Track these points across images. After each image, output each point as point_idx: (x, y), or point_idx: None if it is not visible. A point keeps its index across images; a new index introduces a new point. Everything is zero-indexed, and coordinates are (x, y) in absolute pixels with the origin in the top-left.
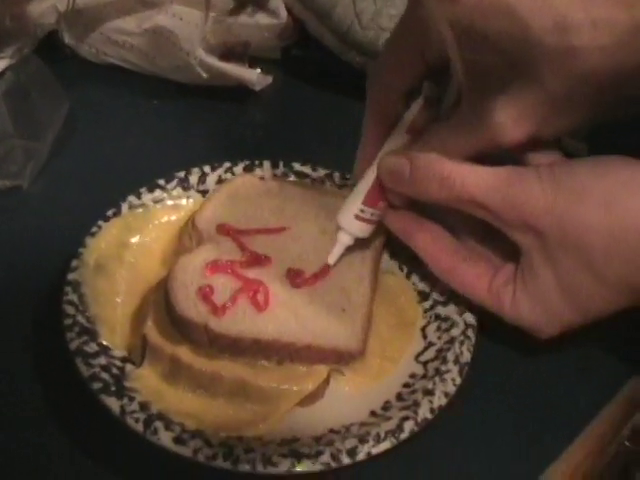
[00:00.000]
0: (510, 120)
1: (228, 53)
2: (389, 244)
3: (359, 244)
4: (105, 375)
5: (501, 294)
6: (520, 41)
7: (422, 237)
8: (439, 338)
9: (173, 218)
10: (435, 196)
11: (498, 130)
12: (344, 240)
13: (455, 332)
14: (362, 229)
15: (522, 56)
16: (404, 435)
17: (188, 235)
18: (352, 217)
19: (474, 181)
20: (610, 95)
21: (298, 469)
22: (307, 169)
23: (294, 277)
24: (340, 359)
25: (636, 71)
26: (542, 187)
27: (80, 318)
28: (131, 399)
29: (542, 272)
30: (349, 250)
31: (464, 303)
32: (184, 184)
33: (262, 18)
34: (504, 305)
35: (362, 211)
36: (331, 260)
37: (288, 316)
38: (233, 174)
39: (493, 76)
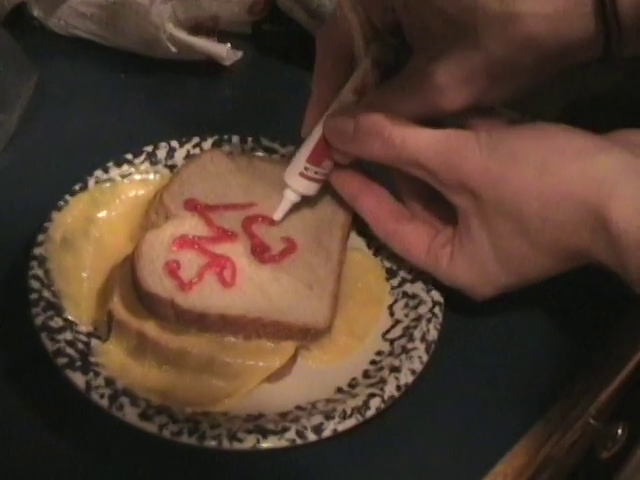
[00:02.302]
0: (450, 84)
1: (198, 27)
2: (357, 221)
3: (327, 221)
4: (70, 350)
5: (439, 255)
6: (464, 5)
7: (366, 199)
8: (406, 316)
9: (141, 193)
10: (377, 155)
11: (438, 94)
12: (290, 197)
13: (422, 310)
14: (307, 187)
15: (466, 20)
16: (370, 412)
17: (155, 210)
18: (297, 174)
19: (414, 141)
20: (550, 64)
21: (264, 445)
22: (276, 145)
23: (260, 253)
24: (307, 335)
25: (577, 42)
26: (479, 149)
27: (46, 293)
28: (97, 374)
29: (478, 234)
30: (317, 227)
31: (432, 281)
32: (152, 159)
33: None
34: (441, 265)
35: (306, 169)
36: (277, 216)
37: (255, 292)
38: (201, 149)
39: (437, 39)
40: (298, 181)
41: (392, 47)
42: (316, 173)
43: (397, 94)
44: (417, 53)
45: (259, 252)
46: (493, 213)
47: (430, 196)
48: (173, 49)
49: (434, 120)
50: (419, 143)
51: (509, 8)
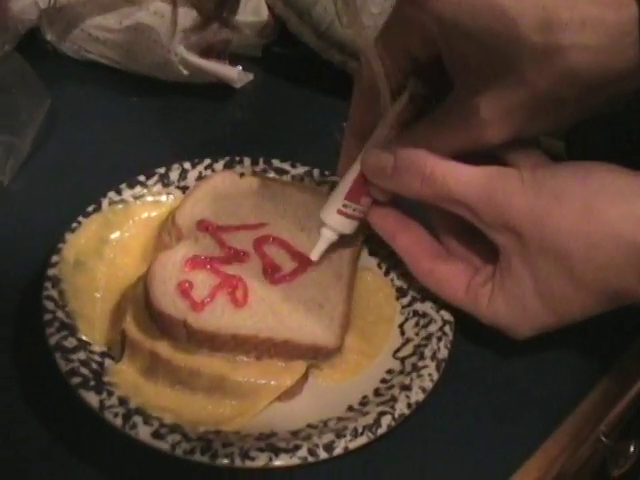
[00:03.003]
0: (494, 118)
1: (209, 50)
2: (368, 241)
3: (337, 241)
4: (84, 370)
5: (478, 294)
6: (505, 39)
7: (404, 237)
8: (417, 334)
9: (153, 214)
10: (417, 192)
11: (482, 128)
12: (327, 236)
13: (432, 328)
14: (345, 225)
15: (508, 54)
16: (381, 430)
17: (168, 231)
18: (335, 212)
19: (456, 179)
20: (595, 96)
21: (276, 463)
22: (287, 166)
23: (272, 273)
24: (318, 355)
25: (622, 73)
26: (523, 189)
27: (60, 313)
28: (110, 394)
29: (520, 274)
30: (328, 247)
31: (442, 300)
32: (164, 180)
33: (243, 16)
34: (481, 305)
35: (345, 206)
36: (314, 256)
37: (266, 312)
38: (213, 171)
39: (479, 73)
40: (336, 219)
41: (431, 81)
42: (354, 210)
43: (437, 129)
44: (458, 87)
45: (270, 272)
46: (536, 253)
47: (468, 233)
48: (185, 72)
49: (475, 155)
50: (461, 181)
51: (552, 41)
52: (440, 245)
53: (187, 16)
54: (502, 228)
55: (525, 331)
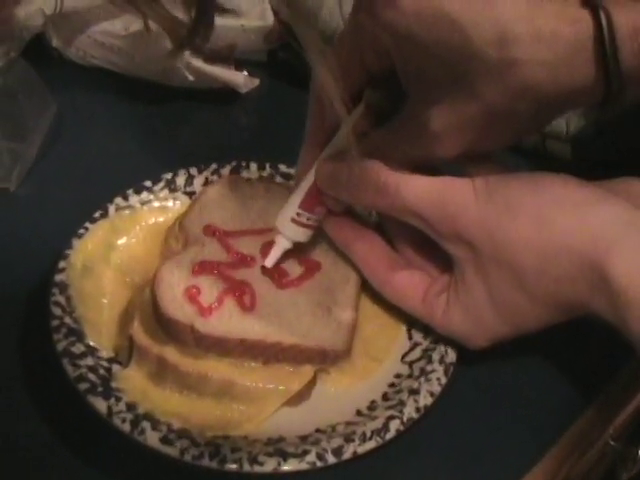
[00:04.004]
0: (446, 132)
1: (214, 56)
2: None
3: None
4: (92, 376)
5: (434, 304)
6: (460, 52)
7: (360, 246)
8: (425, 338)
9: (160, 220)
10: (371, 203)
11: (433, 141)
12: (281, 243)
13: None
14: (299, 233)
15: (461, 67)
16: (390, 434)
17: (175, 236)
18: (289, 220)
19: (409, 189)
20: (549, 111)
21: (284, 468)
22: (293, 171)
23: (279, 278)
24: (326, 359)
25: (577, 89)
26: (476, 199)
27: (67, 319)
28: (118, 399)
29: (473, 284)
30: (335, 250)
31: None
32: (171, 186)
33: (248, 21)
34: (436, 315)
35: (299, 215)
36: (268, 263)
37: (274, 316)
38: (220, 176)
39: (432, 86)
40: (290, 227)
41: (387, 92)
42: (308, 219)
43: (391, 140)
44: (412, 99)
45: (277, 277)
46: (489, 264)
47: (424, 243)
48: (190, 77)
49: (429, 166)
50: (414, 192)
51: (506, 55)
52: (397, 254)
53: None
54: (455, 239)
55: (479, 341)
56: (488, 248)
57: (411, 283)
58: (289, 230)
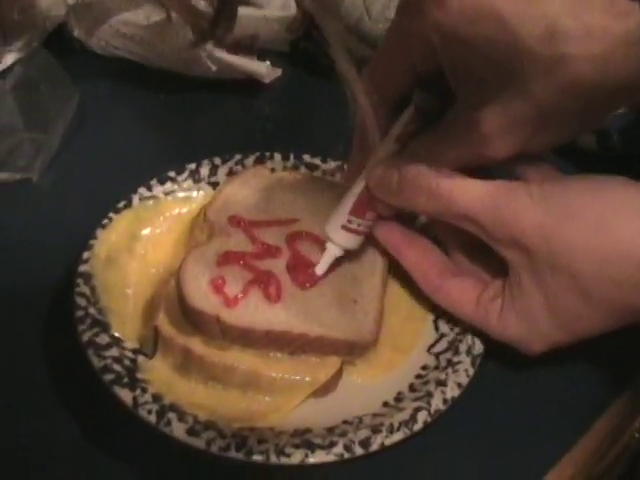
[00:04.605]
0: (497, 132)
1: (237, 46)
2: None
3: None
4: (117, 367)
5: (488, 309)
6: (508, 49)
7: (411, 252)
8: (451, 329)
9: (184, 210)
10: (423, 208)
11: (484, 143)
12: (332, 251)
13: (467, 323)
14: (350, 240)
15: (510, 65)
16: (417, 426)
17: (199, 227)
18: (339, 228)
19: (462, 194)
20: (599, 107)
21: (311, 460)
22: (318, 161)
23: (304, 269)
24: (352, 350)
25: (627, 84)
26: (532, 204)
27: (92, 310)
28: (144, 390)
29: (530, 290)
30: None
31: None
32: (195, 176)
33: (271, 11)
34: (491, 320)
35: (349, 221)
36: (319, 270)
37: (300, 307)
38: (244, 166)
39: (481, 85)
40: (341, 234)
41: (435, 94)
42: (359, 225)
43: (441, 143)
44: (461, 100)
45: (303, 269)
46: (546, 269)
47: (476, 247)
48: (213, 68)
49: (481, 168)
50: (467, 196)
51: (555, 50)
52: (448, 260)
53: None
54: (510, 244)
55: (535, 347)
56: (545, 253)
57: (464, 289)
58: (340, 237)
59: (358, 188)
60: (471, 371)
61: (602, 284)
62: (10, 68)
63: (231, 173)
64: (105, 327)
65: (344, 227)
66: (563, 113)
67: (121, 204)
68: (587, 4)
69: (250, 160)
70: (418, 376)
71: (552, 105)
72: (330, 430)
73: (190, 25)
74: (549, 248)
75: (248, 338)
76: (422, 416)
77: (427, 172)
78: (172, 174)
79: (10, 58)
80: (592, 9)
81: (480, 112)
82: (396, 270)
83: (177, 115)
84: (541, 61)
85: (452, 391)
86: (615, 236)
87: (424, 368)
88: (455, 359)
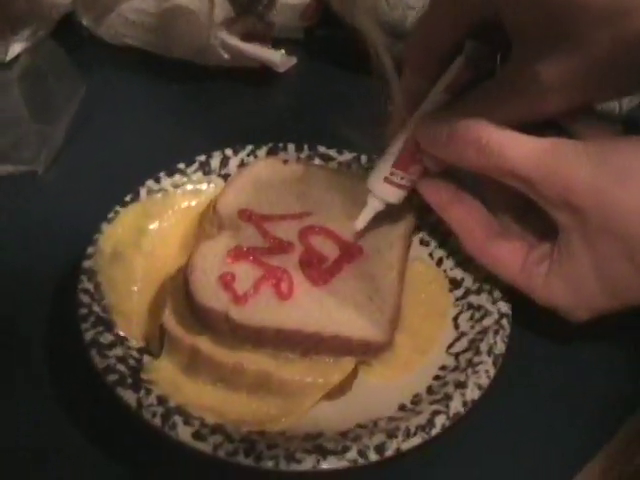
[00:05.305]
0: (555, 85)
1: (250, 34)
2: (418, 230)
3: (387, 230)
4: (121, 367)
5: (534, 273)
6: (569, 1)
7: (457, 211)
8: (472, 328)
9: (193, 203)
10: (472, 163)
11: (542, 96)
12: (373, 204)
13: (488, 322)
14: (392, 194)
15: (570, 16)
16: (435, 430)
17: (209, 221)
18: (381, 180)
19: (514, 150)
20: None
21: (323, 466)
22: (333, 152)
23: (318, 265)
24: (367, 350)
25: None
26: (586, 163)
27: (96, 307)
28: (148, 392)
29: (579, 254)
30: (377, 236)
31: (498, 291)
32: (205, 168)
33: None
34: (536, 285)
35: (392, 174)
36: (359, 225)
37: (313, 305)
38: (256, 157)
39: (539, 37)
40: (383, 187)
41: (489, 46)
42: (402, 179)
43: (494, 97)
44: (517, 52)
45: (316, 265)
46: (598, 233)
47: (523, 208)
48: (225, 56)
49: (533, 126)
50: (519, 153)
51: (618, 3)
52: (495, 220)
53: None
54: (562, 204)
55: (581, 313)
56: (598, 216)
57: (509, 251)
58: (381, 190)
59: (402, 141)
60: (492, 372)
61: None
62: (16, 58)
63: (242, 165)
64: (109, 325)
65: (387, 180)
66: (622, 68)
67: (128, 197)
68: None
69: (262, 151)
70: (436, 377)
71: (612, 59)
72: (343, 434)
73: (230, 1)
74: (602, 211)
75: (258, 337)
76: (440, 420)
77: (478, 126)
78: (181, 166)
79: (17, 48)
80: None
81: (537, 65)
82: (414, 266)
83: (188, 106)
84: (602, 13)
85: (472, 393)
86: None
87: (443, 369)
88: (476, 359)
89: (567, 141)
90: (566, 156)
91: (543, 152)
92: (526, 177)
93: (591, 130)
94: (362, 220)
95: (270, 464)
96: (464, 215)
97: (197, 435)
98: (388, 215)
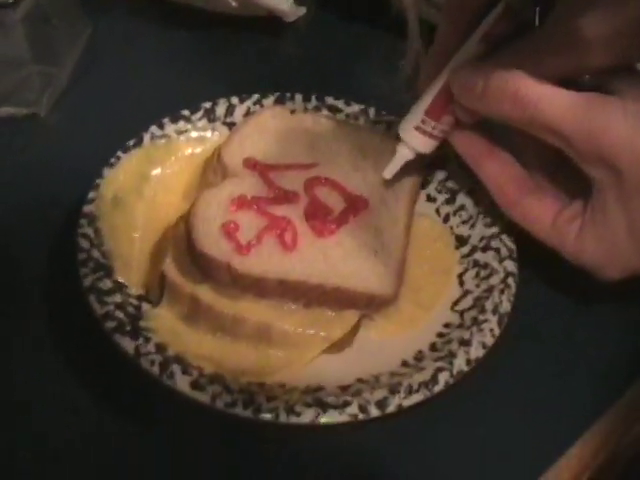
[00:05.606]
0: (599, 40)
1: None
2: (425, 185)
3: (393, 184)
4: (120, 314)
5: (565, 230)
6: None
7: (489, 164)
8: (477, 286)
9: (197, 151)
10: (507, 115)
11: (585, 51)
12: (402, 153)
13: (494, 280)
14: (422, 143)
15: None
16: (438, 387)
17: (213, 169)
18: (412, 128)
19: (550, 104)
20: None
21: (323, 420)
22: (340, 104)
23: (323, 216)
24: (371, 304)
25: None
26: (626, 120)
27: (95, 253)
28: (147, 340)
29: (613, 212)
30: (383, 190)
31: (505, 249)
32: (210, 115)
33: None
34: (567, 242)
35: (424, 122)
36: (387, 174)
37: (317, 256)
38: (262, 106)
39: None
40: (413, 136)
41: None
42: (434, 128)
43: (534, 51)
44: (561, 7)
45: (321, 216)
46: (633, 191)
47: (556, 165)
48: (233, 3)
49: (572, 82)
50: (556, 106)
51: None
52: (528, 175)
53: None
54: (598, 161)
55: (612, 272)
56: (634, 173)
57: (541, 206)
58: (412, 138)
59: (436, 88)
60: (497, 331)
61: None
62: None
63: (249, 113)
64: (109, 271)
65: (418, 128)
66: None
67: (131, 142)
68: None
69: (269, 100)
70: (440, 334)
71: None
72: (344, 389)
73: None
74: (639, 169)
75: (260, 288)
76: (444, 377)
77: (515, 77)
78: (186, 113)
79: None
80: None
81: (581, 18)
82: (420, 222)
83: (195, 53)
84: None
85: (476, 351)
86: None
87: (447, 326)
88: (481, 317)
89: (607, 97)
90: (605, 112)
91: (580, 106)
92: (562, 131)
93: (631, 89)
94: (391, 169)
95: (269, 416)
96: (497, 170)
97: (195, 384)
98: None
